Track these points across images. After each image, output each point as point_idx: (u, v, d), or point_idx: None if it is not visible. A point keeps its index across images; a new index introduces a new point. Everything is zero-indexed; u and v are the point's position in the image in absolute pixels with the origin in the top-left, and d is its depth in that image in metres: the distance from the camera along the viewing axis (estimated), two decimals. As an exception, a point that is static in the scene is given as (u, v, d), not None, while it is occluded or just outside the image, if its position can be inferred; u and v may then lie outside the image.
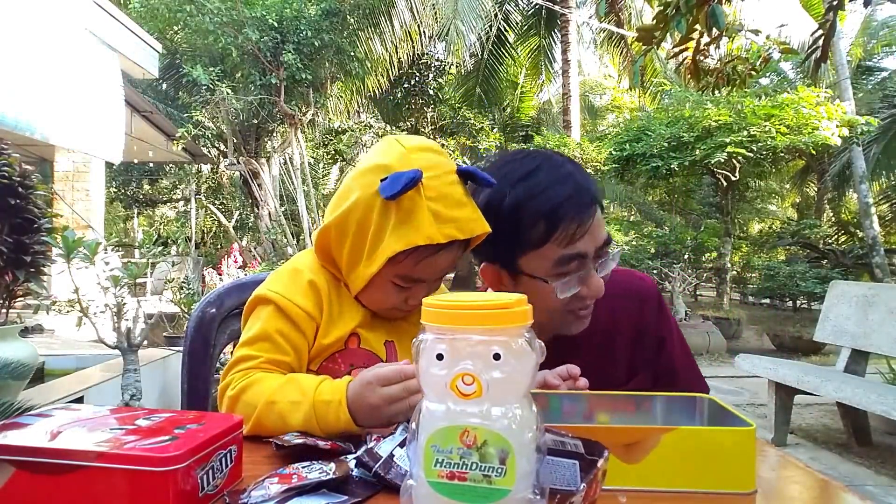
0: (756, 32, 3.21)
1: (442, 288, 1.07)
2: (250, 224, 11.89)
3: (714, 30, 2.52)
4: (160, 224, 15.54)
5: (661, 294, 1.18)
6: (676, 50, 2.84)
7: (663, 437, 0.70)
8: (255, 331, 0.95)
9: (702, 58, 2.83)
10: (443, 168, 0.92)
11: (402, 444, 0.69)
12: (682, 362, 1.16)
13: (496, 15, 12.27)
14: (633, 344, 1.13)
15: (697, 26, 2.57)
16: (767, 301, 11.77)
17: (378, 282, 0.94)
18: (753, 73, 3.02)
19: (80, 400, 2.97)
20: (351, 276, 0.96)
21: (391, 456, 0.68)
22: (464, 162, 12.17)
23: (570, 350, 1.00)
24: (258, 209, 9.46)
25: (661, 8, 2.53)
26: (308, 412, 0.82)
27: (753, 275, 12.49)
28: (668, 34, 2.64)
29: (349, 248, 0.94)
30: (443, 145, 11.80)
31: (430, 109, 12.50)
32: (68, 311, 3.48)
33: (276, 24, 8.43)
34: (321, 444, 0.77)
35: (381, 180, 0.89)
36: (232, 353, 1.00)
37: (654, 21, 2.58)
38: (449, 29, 10.07)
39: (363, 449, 0.71)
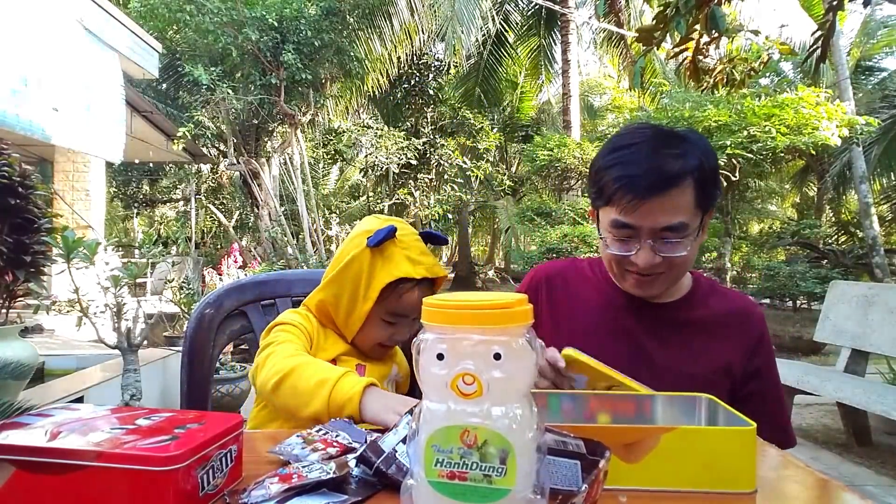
0: (755, 33, 3.20)
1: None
2: (250, 224, 11.89)
3: (714, 31, 2.52)
4: (160, 224, 15.53)
5: (766, 330, 1.21)
6: (676, 50, 2.84)
7: (663, 437, 0.70)
8: (286, 334, 1.14)
9: (701, 58, 2.83)
10: (409, 230, 1.20)
11: (404, 440, 0.69)
12: (763, 406, 1.16)
13: (493, 18, 12.26)
14: (725, 354, 1.16)
15: (697, 26, 2.57)
16: (767, 301, 11.75)
17: (371, 320, 1.16)
18: (753, 73, 3.02)
19: (80, 400, 2.97)
20: (350, 319, 1.17)
21: (394, 451, 0.68)
22: (463, 162, 12.21)
23: (666, 328, 1.18)
24: (258, 209, 9.46)
25: (661, 8, 2.53)
26: (338, 373, 0.98)
27: (753, 275, 12.46)
28: (667, 35, 2.64)
29: (348, 295, 1.16)
30: (442, 145, 11.88)
31: (429, 109, 12.50)
32: (68, 311, 3.48)
33: (276, 24, 8.43)
34: (319, 446, 0.77)
35: (367, 238, 1.15)
36: (231, 353, 1.05)
37: (654, 21, 2.58)
38: (447, 29, 10.07)
39: (366, 443, 0.71)
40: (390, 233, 1.15)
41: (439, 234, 1.28)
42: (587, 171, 1.20)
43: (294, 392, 0.98)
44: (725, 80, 2.94)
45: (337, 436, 0.81)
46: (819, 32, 2.72)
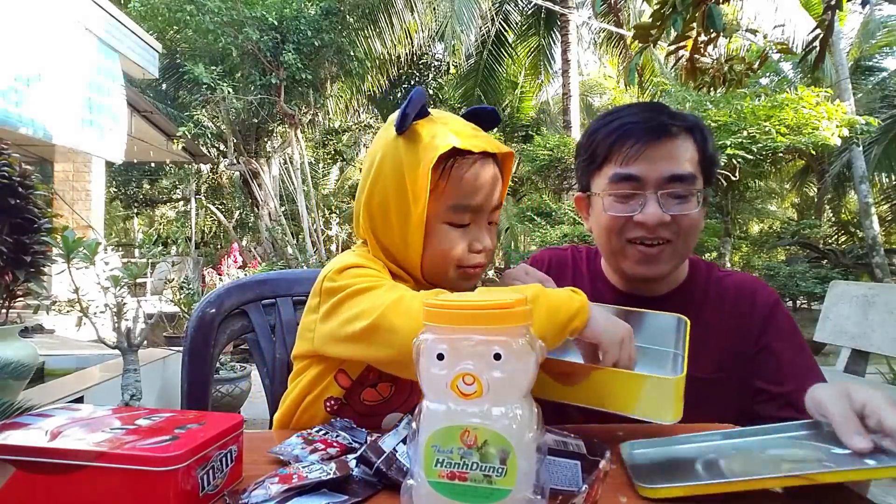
0: (753, 32, 3.20)
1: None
2: (250, 224, 11.88)
3: (711, 29, 2.51)
4: (160, 224, 15.54)
5: (777, 305, 1.09)
6: (672, 48, 2.83)
7: (593, 374, 0.74)
8: (365, 278, 0.85)
9: (699, 57, 2.82)
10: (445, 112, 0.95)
11: (404, 441, 0.69)
12: (789, 358, 1.05)
13: (493, 19, 12.26)
14: (730, 345, 1.06)
15: (694, 24, 2.56)
16: (767, 301, 11.74)
17: (433, 229, 0.88)
18: (751, 73, 3.01)
19: (80, 400, 2.96)
20: (409, 235, 0.88)
21: (394, 452, 0.68)
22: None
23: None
24: (258, 209, 9.46)
25: (659, 6, 2.52)
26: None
27: (753, 275, 12.46)
28: (665, 32, 2.63)
29: (395, 198, 0.87)
30: (443, 145, 11.88)
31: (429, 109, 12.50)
32: (68, 311, 3.48)
33: (276, 24, 8.44)
34: (319, 447, 0.77)
35: (394, 125, 0.89)
36: (231, 353, 1.01)
37: (652, 19, 2.57)
38: (446, 29, 10.08)
39: (366, 443, 0.71)
40: (416, 97, 0.87)
41: (484, 107, 0.98)
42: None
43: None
44: (723, 79, 2.93)
45: (337, 436, 0.81)
46: (817, 31, 2.71)
